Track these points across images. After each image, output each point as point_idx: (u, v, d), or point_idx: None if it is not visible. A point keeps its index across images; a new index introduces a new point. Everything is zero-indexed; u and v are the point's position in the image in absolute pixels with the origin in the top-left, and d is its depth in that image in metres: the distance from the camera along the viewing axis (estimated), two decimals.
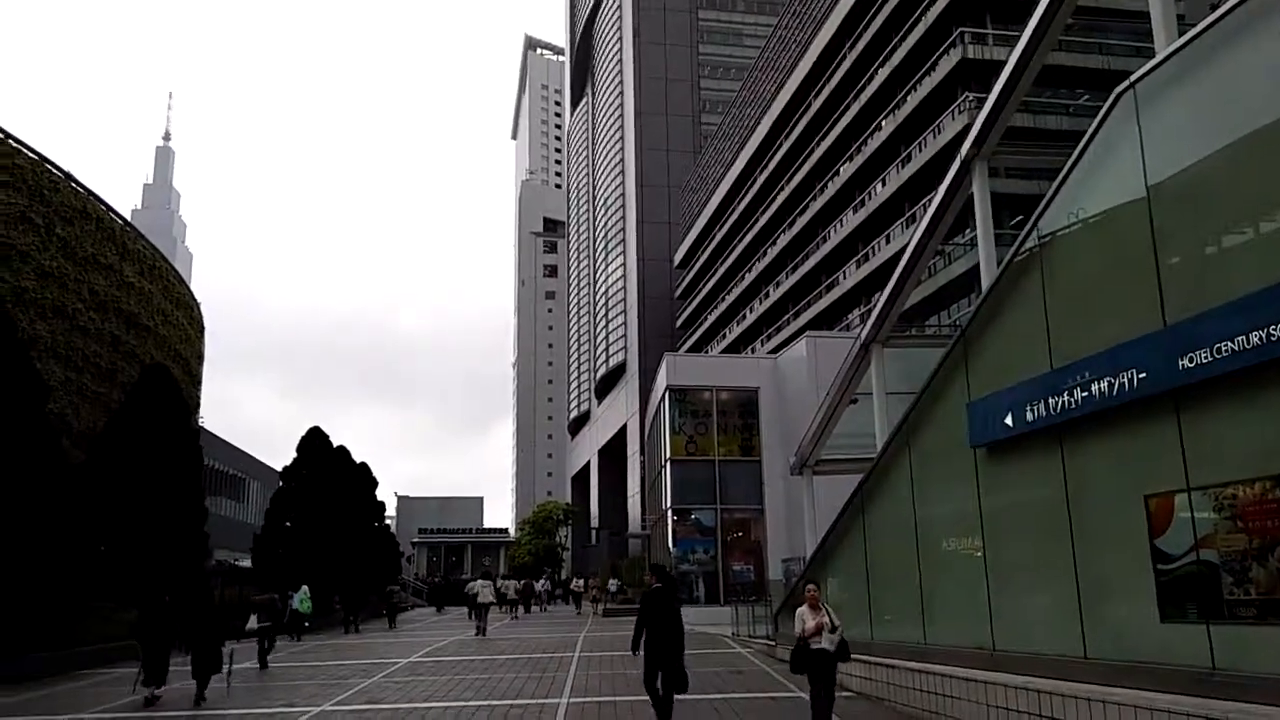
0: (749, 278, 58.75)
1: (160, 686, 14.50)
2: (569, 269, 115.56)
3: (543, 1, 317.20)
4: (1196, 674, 7.29)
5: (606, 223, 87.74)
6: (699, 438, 31.32)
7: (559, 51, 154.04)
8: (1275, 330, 6.64)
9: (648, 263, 78.70)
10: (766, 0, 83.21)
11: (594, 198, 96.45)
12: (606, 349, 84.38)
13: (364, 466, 41.53)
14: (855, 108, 42.65)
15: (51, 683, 17.18)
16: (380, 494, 43.25)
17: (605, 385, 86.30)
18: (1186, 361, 7.41)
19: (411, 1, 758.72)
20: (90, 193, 29.98)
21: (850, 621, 9.59)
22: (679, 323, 75.90)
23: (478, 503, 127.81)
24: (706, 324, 67.82)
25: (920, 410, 12.07)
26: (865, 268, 41.14)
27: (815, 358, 28.91)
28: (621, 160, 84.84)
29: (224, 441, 52.18)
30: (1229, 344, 7.01)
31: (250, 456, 57.31)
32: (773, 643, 17.80)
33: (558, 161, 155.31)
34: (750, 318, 58.36)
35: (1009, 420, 9.75)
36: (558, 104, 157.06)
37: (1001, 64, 12.21)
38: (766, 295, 55.68)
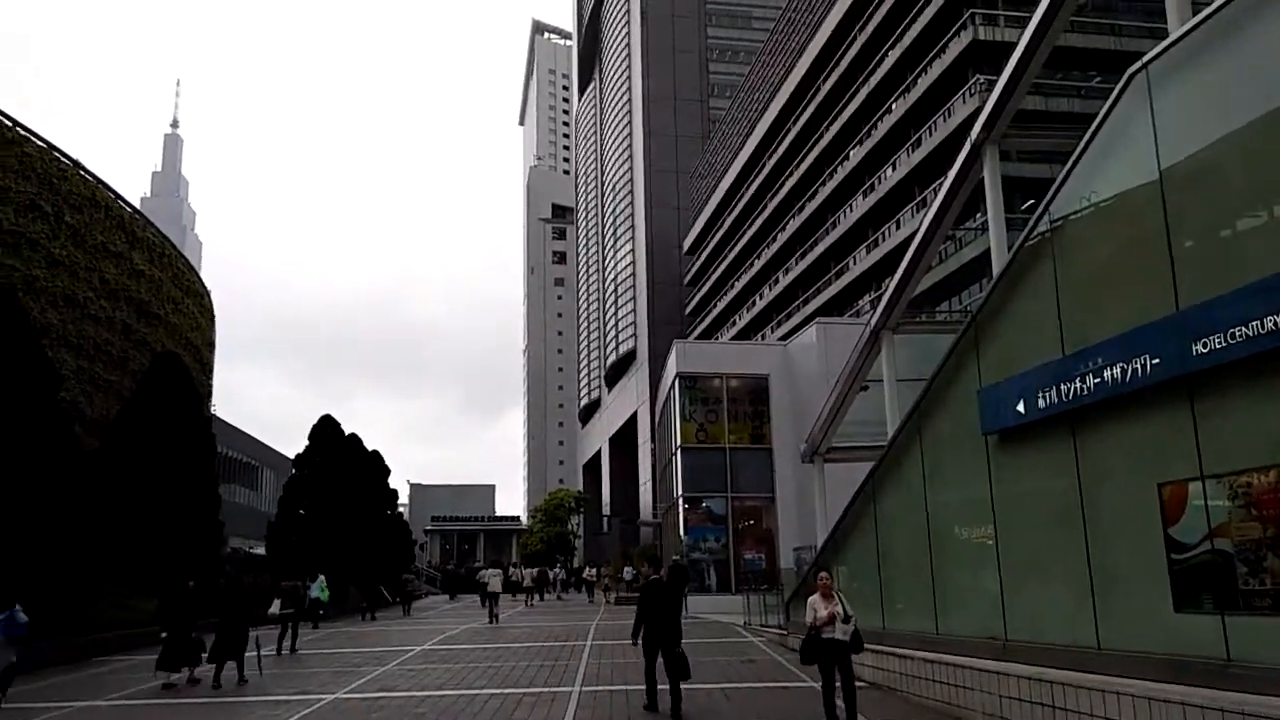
0: (758, 264, 58.55)
1: (179, 672, 14.86)
2: (578, 255, 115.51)
3: None
4: (1211, 665, 7.19)
5: (615, 209, 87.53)
6: (709, 425, 31.28)
7: (566, 36, 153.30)
8: None
9: (656, 249, 78.51)
10: None
11: (602, 183, 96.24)
12: (616, 336, 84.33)
13: (376, 454, 41.66)
14: (864, 91, 42.35)
15: (64, 670, 17.32)
16: (392, 482, 43.43)
17: (615, 373, 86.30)
18: (1200, 347, 7.29)
19: None
20: (99, 180, 30.05)
21: (862, 610, 9.55)
22: (688, 309, 75.76)
23: (490, 491, 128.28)
24: (716, 310, 67.67)
25: (931, 397, 11.97)
26: (875, 253, 40.94)
27: (825, 344, 28.79)
28: (629, 145, 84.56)
29: (237, 429, 52.46)
30: (1243, 329, 6.89)
31: (263, 444, 57.60)
32: (784, 631, 17.77)
33: (566, 147, 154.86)
34: (760, 304, 58.18)
35: (1021, 407, 9.65)
36: (565, 89, 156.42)
37: (1012, 46, 12.06)
38: (776, 281, 55.48)
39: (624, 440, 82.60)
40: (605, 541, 71.68)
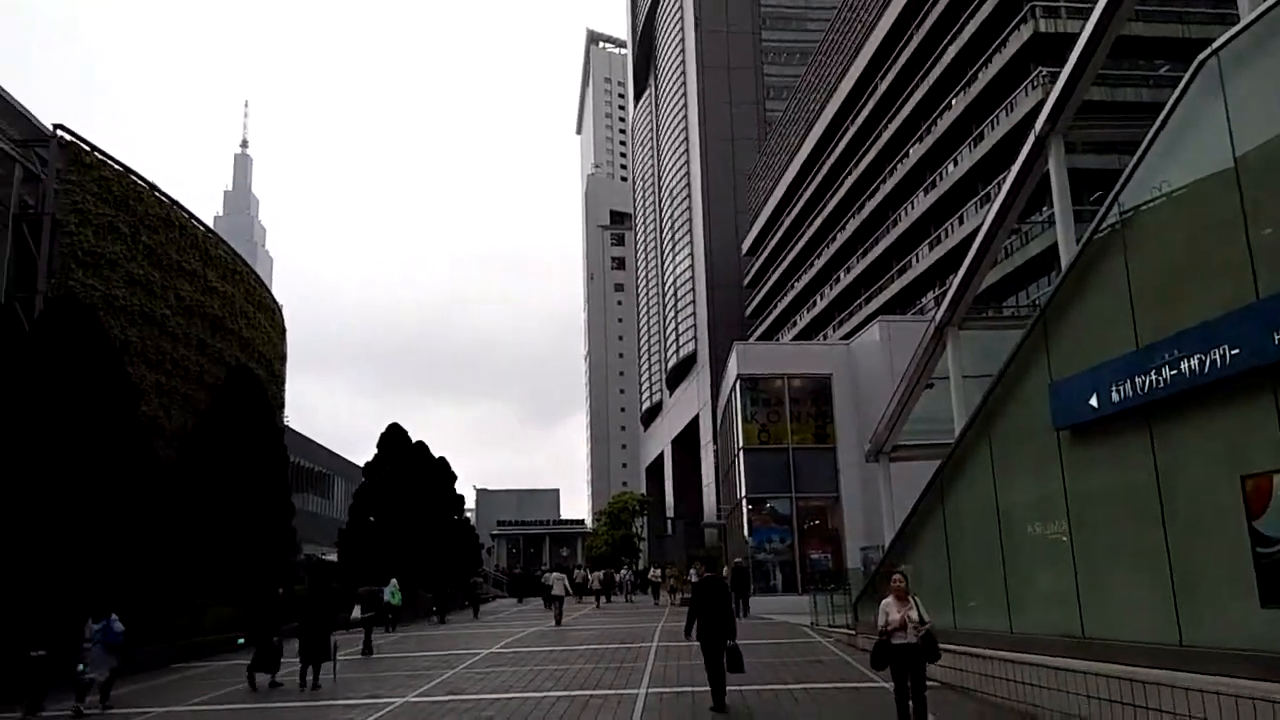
0: (818, 264, 58.09)
1: (276, 672, 15.56)
2: (637, 261, 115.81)
3: None
4: None
5: (673, 213, 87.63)
6: (772, 426, 31.18)
7: (621, 44, 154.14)
8: None
9: (715, 252, 78.36)
10: None
11: (659, 188, 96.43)
12: (676, 339, 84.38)
13: (442, 461, 42.35)
14: (924, 87, 41.82)
15: (147, 677, 17.91)
16: (459, 487, 44.08)
17: (676, 376, 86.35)
18: None
19: (475, 3, 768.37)
20: (173, 201, 31.06)
21: (932, 610, 9.43)
22: (748, 311, 75.45)
23: (554, 495, 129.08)
24: (776, 311, 67.32)
25: (999, 393, 11.80)
26: (938, 250, 40.36)
27: (889, 342, 28.53)
28: (686, 150, 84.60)
29: (308, 439, 53.65)
30: None
31: (334, 453, 58.79)
32: (853, 632, 17.63)
33: (622, 154, 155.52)
34: (821, 304, 57.72)
35: (1094, 401, 9.47)
36: (621, 96, 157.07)
37: (1075, 37, 11.87)
38: (837, 280, 55.01)
39: (686, 442, 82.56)
40: (669, 544, 71.65)
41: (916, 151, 42.92)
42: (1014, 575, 11.37)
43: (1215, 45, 8.23)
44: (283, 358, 42.39)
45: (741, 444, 31.14)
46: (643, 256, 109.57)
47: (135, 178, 28.99)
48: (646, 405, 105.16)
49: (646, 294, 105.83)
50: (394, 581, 28.23)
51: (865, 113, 49.58)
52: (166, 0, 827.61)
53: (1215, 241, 8.24)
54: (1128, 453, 9.17)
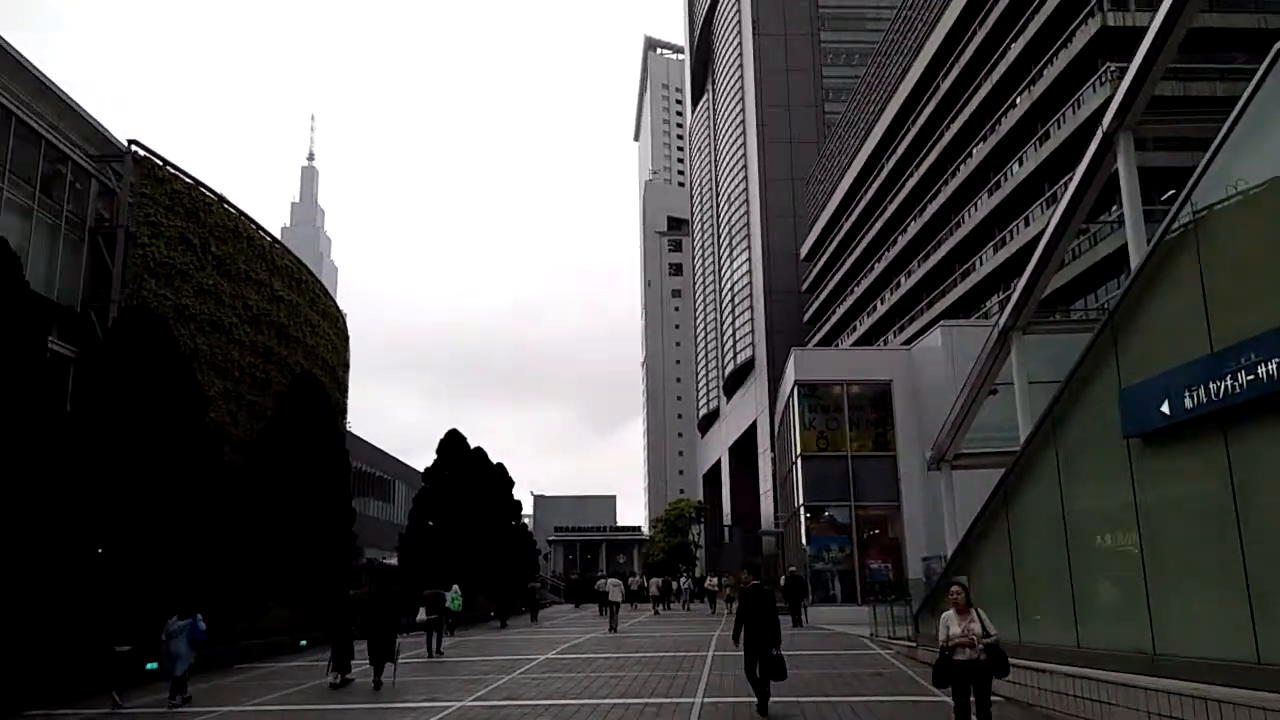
0: (878, 268, 57.28)
1: (349, 671, 16.04)
2: (694, 267, 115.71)
3: (662, 1, 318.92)
4: None
5: (730, 218, 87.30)
6: (830, 433, 30.80)
7: (678, 50, 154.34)
8: None
9: (773, 257, 77.77)
10: None
11: (717, 194, 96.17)
12: (734, 345, 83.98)
13: (500, 466, 42.71)
14: (987, 86, 40.99)
15: (211, 677, 18.23)
16: (516, 493, 44.38)
17: (733, 382, 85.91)
18: None
19: (533, 14, 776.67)
20: (241, 213, 31.85)
21: (996, 623, 9.14)
22: (806, 317, 74.74)
23: (611, 501, 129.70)
24: (835, 317, 66.54)
25: (1066, 400, 11.44)
26: (1002, 253, 39.46)
27: (951, 348, 27.99)
28: (744, 154, 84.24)
29: (371, 445, 54.58)
30: None
31: (395, 459, 59.71)
32: (913, 644, 17.27)
33: (680, 160, 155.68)
34: (881, 309, 56.88)
35: (1166, 408, 9.10)
36: (679, 103, 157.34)
37: (1144, 30, 11.48)
38: (898, 285, 54.17)
39: (743, 449, 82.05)
40: (726, 551, 71.28)
41: (980, 152, 42.08)
42: (1081, 588, 11.00)
43: None
44: (346, 365, 43.17)
45: (799, 451, 30.79)
46: (700, 262, 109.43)
47: (205, 190, 29.77)
48: (704, 412, 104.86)
49: (704, 300, 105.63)
50: (455, 588, 28.52)
51: (927, 113, 48.79)
52: (239, 19, 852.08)
53: None
54: (1202, 461, 8.79)
